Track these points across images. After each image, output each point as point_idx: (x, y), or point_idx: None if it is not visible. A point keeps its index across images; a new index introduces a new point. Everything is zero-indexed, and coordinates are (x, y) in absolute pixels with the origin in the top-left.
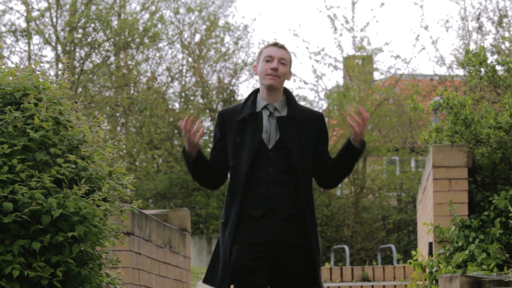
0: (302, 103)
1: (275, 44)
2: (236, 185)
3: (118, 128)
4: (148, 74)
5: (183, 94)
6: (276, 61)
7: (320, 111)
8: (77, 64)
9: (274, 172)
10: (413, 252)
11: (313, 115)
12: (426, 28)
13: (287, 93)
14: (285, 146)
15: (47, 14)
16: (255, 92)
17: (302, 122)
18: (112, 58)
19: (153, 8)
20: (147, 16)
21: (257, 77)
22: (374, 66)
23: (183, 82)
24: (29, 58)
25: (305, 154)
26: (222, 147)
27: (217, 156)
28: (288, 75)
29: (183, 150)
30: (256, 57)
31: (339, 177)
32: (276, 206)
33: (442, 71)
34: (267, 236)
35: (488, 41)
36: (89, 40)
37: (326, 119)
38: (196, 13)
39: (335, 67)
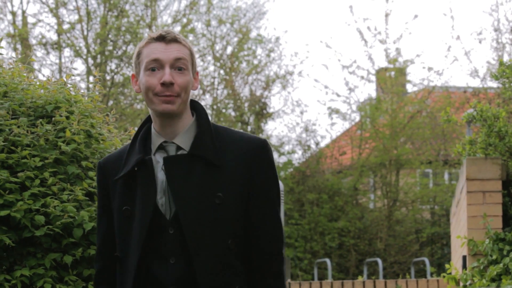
0: (334, 116)
1: (161, 38)
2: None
3: None
4: None
5: (214, 107)
6: (168, 69)
7: (349, 125)
8: (108, 77)
9: (177, 266)
10: (447, 266)
11: (244, 145)
12: (457, 38)
13: (196, 112)
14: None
15: (78, 26)
16: (148, 120)
17: (214, 162)
18: None
19: (185, 20)
20: (178, 28)
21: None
22: (407, 78)
23: (214, 95)
24: (60, 71)
25: (221, 219)
26: (109, 221)
27: (106, 241)
28: (192, 84)
29: None
30: (134, 60)
31: None
32: None
33: (476, 83)
34: None
35: None
36: (119, 53)
37: (358, 132)
38: (228, 25)
39: (368, 80)
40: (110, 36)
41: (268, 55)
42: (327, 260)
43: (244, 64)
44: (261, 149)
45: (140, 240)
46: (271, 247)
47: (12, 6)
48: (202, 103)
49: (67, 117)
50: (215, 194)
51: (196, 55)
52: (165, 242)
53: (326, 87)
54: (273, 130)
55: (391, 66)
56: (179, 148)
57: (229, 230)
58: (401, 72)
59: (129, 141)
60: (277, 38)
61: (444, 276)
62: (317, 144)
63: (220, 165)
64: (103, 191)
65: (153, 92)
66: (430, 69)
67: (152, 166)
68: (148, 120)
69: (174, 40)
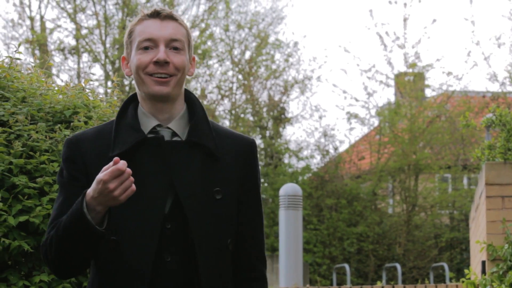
0: (353, 120)
1: (156, 14)
2: (119, 280)
3: None
4: (198, 91)
5: (233, 112)
6: (163, 47)
7: (369, 127)
8: (126, 82)
9: (172, 264)
10: (466, 271)
11: (238, 142)
12: (477, 43)
13: (189, 100)
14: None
15: (96, 31)
16: (132, 100)
17: (214, 153)
18: None
19: (203, 25)
20: (197, 33)
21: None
22: (426, 82)
23: (233, 100)
24: (78, 76)
25: (221, 216)
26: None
27: None
28: (189, 67)
29: (83, 209)
30: (125, 40)
31: None
32: None
33: (495, 87)
34: None
35: None
36: None
37: (377, 137)
38: (246, 30)
39: (387, 84)
40: None
41: (287, 60)
42: (346, 265)
43: (262, 69)
44: (254, 148)
45: (155, 228)
46: (258, 250)
47: (31, 11)
48: (220, 108)
49: (86, 122)
50: (214, 189)
51: (214, 60)
52: (160, 237)
53: (344, 92)
54: (292, 135)
55: (410, 70)
56: (174, 134)
57: (228, 228)
58: (420, 76)
59: (105, 123)
60: (296, 43)
61: (463, 281)
62: (335, 149)
63: (219, 157)
64: (77, 166)
65: (145, 71)
66: (449, 73)
67: (165, 144)
68: (129, 101)
69: (170, 17)
